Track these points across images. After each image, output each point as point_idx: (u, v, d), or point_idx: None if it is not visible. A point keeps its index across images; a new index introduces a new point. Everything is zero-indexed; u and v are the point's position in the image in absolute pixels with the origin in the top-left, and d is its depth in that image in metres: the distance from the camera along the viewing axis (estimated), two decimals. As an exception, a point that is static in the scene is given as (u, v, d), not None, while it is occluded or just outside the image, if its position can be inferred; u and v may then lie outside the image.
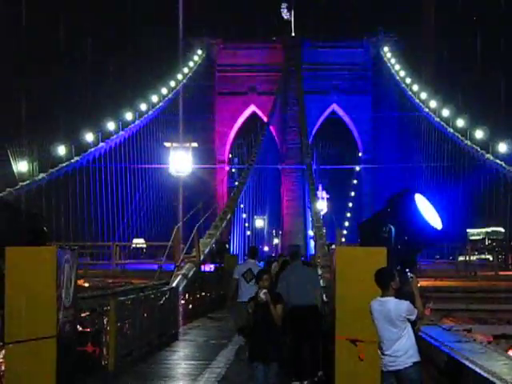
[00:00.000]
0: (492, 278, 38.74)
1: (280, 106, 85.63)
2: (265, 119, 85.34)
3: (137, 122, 69.60)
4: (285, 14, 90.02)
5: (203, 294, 30.09)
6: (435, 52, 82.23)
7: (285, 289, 13.64)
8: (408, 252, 10.41)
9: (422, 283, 24.68)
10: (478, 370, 8.34)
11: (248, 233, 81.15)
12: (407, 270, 10.07)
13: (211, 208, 47.77)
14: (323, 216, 69.18)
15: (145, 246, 65.20)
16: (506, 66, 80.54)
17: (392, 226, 10.14)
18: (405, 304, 8.47)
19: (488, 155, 60.92)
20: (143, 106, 71.49)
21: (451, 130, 66.91)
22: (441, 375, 9.93)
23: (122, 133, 66.47)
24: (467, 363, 8.74)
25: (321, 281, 18.08)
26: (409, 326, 8.50)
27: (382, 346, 8.52)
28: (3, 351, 10.62)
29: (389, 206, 10.55)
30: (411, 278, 9.78)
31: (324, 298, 16.46)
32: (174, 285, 24.32)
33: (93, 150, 61.37)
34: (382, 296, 8.54)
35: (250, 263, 16.52)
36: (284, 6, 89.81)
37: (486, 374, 8.08)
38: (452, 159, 67.03)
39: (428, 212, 10.31)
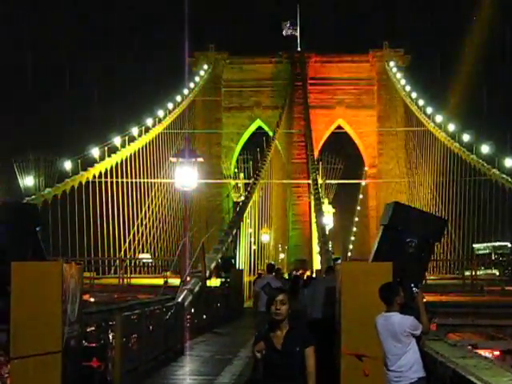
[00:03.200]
0: (498, 292, 38.57)
1: (286, 121, 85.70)
2: (270, 134, 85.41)
3: (143, 137, 69.70)
4: (285, 31, 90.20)
5: (209, 308, 30.06)
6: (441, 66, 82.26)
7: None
8: (429, 254, 10.54)
9: (428, 298, 24.60)
10: (483, 385, 8.32)
11: (254, 247, 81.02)
12: (412, 284, 10.10)
13: (217, 223, 47.85)
14: (329, 230, 69.11)
15: (151, 260, 65.23)
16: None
17: (414, 239, 10.24)
18: (409, 319, 8.46)
19: (494, 170, 60.83)
20: (149, 121, 71.63)
21: (457, 145, 66.86)
22: (446, 391, 9.91)
23: (128, 147, 66.56)
24: (473, 379, 8.72)
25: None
26: (413, 341, 8.49)
27: (387, 361, 8.51)
28: (9, 366, 10.63)
29: (397, 224, 10.62)
30: (416, 292, 9.79)
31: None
32: (179, 300, 24.28)
33: (99, 164, 61.43)
34: (386, 311, 8.54)
35: (268, 278, 19.71)
36: (286, 23, 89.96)
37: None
38: (458, 174, 66.95)
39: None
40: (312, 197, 74.26)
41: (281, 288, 6.90)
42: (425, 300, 9.71)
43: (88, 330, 14.28)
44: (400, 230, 10.61)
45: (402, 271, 10.20)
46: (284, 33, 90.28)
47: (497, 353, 23.94)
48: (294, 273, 34.25)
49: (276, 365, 6.79)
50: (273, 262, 39.15)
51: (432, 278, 48.44)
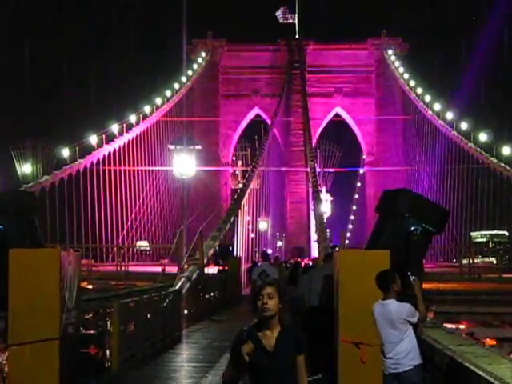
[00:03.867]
0: (496, 280, 38.66)
1: (284, 109, 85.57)
2: (268, 121, 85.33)
3: (141, 125, 69.62)
4: (280, 18, 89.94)
5: (206, 296, 30.10)
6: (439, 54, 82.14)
7: None
8: (427, 244, 10.55)
9: (426, 286, 24.63)
10: (481, 373, 8.34)
11: (252, 235, 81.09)
12: (409, 273, 10.10)
13: (215, 211, 47.85)
14: (327, 218, 69.16)
15: (148, 248, 65.28)
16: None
17: (419, 227, 10.24)
18: (406, 306, 8.47)
19: (492, 158, 60.85)
20: (147, 109, 71.54)
21: (455, 133, 66.84)
22: (443, 378, 9.93)
23: (126, 135, 66.49)
24: (470, 366, 8.74)
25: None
26: (410, 328, 8.50)
27: (384, 348, 8.53)
28: (6, 353, 10.65)
29: (403, 211, 10.59)
30: (413, 280, 9.80)
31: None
32: (177, 287, 24.31)
33: (97, 152, 61.38)
34: (383, 299, 8.56)
35: (264, 265, 20.36)
36: (280, 10, 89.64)
37: (489, 377, 8.08)
38: (456, 162, 66.96)
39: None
40: (310, 184, 74.32)
41: (269, 280, 6.10)
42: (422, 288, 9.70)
43: (86, 317, 14.29)
44: (405, 217, 10.56)
45: (405, 259, 10.21)
46: (280, 20, 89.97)
47: (494, 340, 23.99)
48: (292, 261, 34.40)
49: (266, 370, 5.73)
50: (269, 250, 39.22)
51: (429, 266, 48.52)
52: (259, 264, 21.45)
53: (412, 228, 10.41)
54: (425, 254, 10.73)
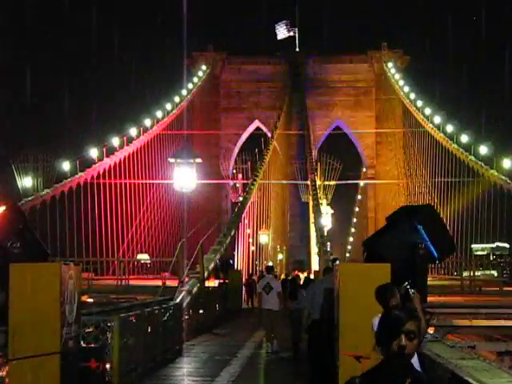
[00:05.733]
0: (497, 293, 38.60)
1: (284, 122, 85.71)
2: (269, 134, 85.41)
3: (141, 138, 69.69)
4: (279, 34, 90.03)
5: (207, 309, 30.08)
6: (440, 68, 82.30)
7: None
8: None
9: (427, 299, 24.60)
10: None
11: (252, 248, 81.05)
12: (408, 286, 10.08)
13: (215, 224, 47.84)
14: (328, 231, 69.15)
15: (149, 261, 65.20)
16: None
17: (426, 243, 10.21)
18: (406, 321, 8.45)
19: (492, 171, 60.85)
20: (148, 122, 71.62)
21: (455, 146, 66.87)
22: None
23: (126, 148, 66.55)
24: (471, 380, 8.73)
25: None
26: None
27: (385, 362, 8.51)
28: (7, 367, 10.62)
29: (417, 222, 10.55)
30: (413, 294, 9.78)
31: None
32: (177, 301, 24.29)
33: (97, 165, 61.42)
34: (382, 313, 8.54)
35: (268, 278, 21.19)
36: (280, 25, 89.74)
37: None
38: (456, 175, 66.96)
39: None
40: (310, 198, 74.35)
41: (409, 309, 4.82)
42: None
43: (86, 330, 14.27)
44: (416, 228, 10.51)
45: (411, 273, 10.18)
46: (279, 37, 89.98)
47: (495, 354, 23.94)
48: (293, 274, 34.76)
49: None
50: (270, 263, 39.34)
51: (430, 278, 48.44)
52: (264, 277, 22.10)
53: (418, 241, 10.38)
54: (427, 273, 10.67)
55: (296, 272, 39.28)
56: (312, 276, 39.17)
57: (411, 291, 9.69)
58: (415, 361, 8.44)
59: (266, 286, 20.55)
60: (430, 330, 17.74)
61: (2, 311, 10.40)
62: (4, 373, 10.83)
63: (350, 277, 10.73)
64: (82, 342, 12.72)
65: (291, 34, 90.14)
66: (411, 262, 10.26)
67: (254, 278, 44.29)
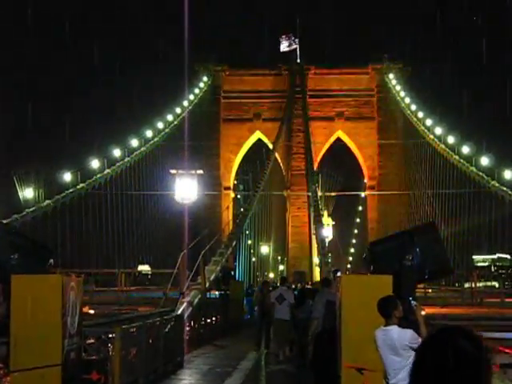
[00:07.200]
0: (498, 305, 38.54)
1: (285, 133, 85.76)
2: (270, 146, 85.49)
3: (142, 149, 69.77)
4: (283, 47, 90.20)
5: (208, 321, 30.03)
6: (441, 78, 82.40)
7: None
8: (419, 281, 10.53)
9: (428, 311, 24.58)
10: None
11: (253, 259, 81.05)
12: (411, 298, 10.10)
13: (217, 235, 47.75)
14: (329, 242, 69.13)
15: (150, 272, 65.15)
16: None
17: (415, 255, 10.22)
18: (408, 332, 8.46)
19: (493, 182, 60.87)
20: (149, 133, 71.73)
21: (456, 157, 66.92)
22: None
23: (127, 159, 66.63)
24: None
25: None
26: (413, 354, 8.47)
27: (387, 374, 8.51)
28: (8, 379, 10.61)
29: (414, 235, 10.61)
30: (415, 306, 9.80)
31: None
32: (179, 312, 24.27)
33: (98, 176, 61.49)
34: (385, 325, 8.54)
35: (282, 289, 22.51)
36: (284, 38, 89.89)
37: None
38: (457, 186, 66.97)
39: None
40: (311, 209, 74.34)
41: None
42: (424, 313, 9.71)
43: (88, 342, 14.26)
44: (411, 239, 10.54)
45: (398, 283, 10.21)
46: (282, 49, 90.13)
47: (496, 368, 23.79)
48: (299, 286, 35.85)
49: None
50: (271, 274, 39.33)
51: (431, 290, 48.35)
52: (277, 288, 23.67)
53: (407, 255, 10.39)
54: (414, 285, 10.64)
55: (302, 285, 39.47)
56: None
57: (413, 303, 9.71)
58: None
59: (279, 296, 21.76)
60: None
61: (3, 323, 10.39)
62: (5, 384, 10.82)
63: (352, 288, 10.74)
64: (83, 354, 12.70)
65: (293, 46, 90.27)
66: (397, 274, 10.30)
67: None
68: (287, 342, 21.84)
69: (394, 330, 8.45)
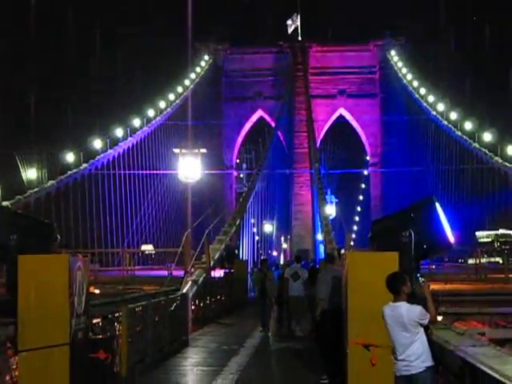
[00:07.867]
0: (502, 280, 38.52)
1: (287, 111, 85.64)
2: (272, 124, 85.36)
3: (145, 129, 69.70)
4: (289, 27, 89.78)
5: (213, 299, 30.11)
6: (444, 55, 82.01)
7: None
8: (419, 257, 10.49)
9: (432, 287, 24.60)
10: (493, 374, 8.29)
11: (257, 238, 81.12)
12: (419, 274, 10.09)
13: (220, 214, 47.85)
14: (332, 220, 69.15)
15: (154, 252, 65.24)
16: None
17: (413, 232, 10.18)
18: (417, 309, 8.45)
19: (496, 158, 60.79)
20: (151, 112, 71.60)
21: (459, 133, 66.79)
22: (455, 380, 9.89)
23: (130, 139, 66.57)
24: (482, 367, 8.69)
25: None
26: (421, 330, 8.49)
27: (396, 350, 8.51)
28: (16, 359, 10.63)
29: (412, 212, 10.58)
30: (423, 282, 9.78)
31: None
32: (184, 291, 24.29)
33: (101, 156, 61.47)
34: (393, 301, 8.53)
35: (297, 267, 23.11)
36: (290, 20, 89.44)
37: (501, 378, 8.03)
38: (460, 162, 66.89)
39: (445, 223, 10.40)
40: (314, 186, 74.33)
41: None
42: (431, 288, 9.69)
43: (94, 321, 14.28)
44: (408, 218, 10.50)
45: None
46: (288, 29, 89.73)
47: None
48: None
49: None
50: (274, 252, 39.47)
51: (434, 266, 48.33)
52: (293, 265, 24.02)
53: (403, 232, 10.36)
54: (417, 262, 10.57)
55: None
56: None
57: (421, 279, 9.69)
58: (426, 349, 8.45)
59: (294, 274, 22.46)
60: (439, 318, 17.74)
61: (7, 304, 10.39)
62: (13, 364, 10.84)
63: (357, 265, 10.71)
64: (90, 333, 12.72)
65: (295, 24, 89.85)
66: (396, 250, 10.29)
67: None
68: (303, 318, 22.17)
69: (403, 306, 8.44)
